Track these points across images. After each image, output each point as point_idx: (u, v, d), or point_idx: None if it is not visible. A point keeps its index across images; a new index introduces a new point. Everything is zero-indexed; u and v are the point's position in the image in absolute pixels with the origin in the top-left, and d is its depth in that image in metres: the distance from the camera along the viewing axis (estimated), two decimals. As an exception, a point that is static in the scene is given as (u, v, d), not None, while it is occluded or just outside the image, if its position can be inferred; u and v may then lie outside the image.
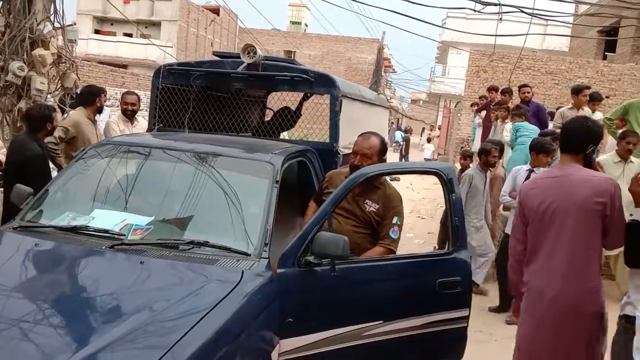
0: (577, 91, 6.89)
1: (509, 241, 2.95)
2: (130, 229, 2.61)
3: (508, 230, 5.14)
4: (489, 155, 5.48)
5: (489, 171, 5.61)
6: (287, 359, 2.47)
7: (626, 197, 2.57)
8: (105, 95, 6.06)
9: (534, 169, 5.03)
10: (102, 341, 1.83)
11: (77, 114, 5.00)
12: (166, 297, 2.12)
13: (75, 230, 2.62)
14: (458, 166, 6.79)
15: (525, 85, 8.05)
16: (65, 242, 2.54)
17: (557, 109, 9.43)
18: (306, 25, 50.35)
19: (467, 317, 2.92)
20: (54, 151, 4.59)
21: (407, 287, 2.79)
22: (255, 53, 3.72)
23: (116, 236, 2.56)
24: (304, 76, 3.74)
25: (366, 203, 2.97)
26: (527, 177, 4.98)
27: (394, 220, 2.97)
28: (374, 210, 2.97)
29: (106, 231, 2.59)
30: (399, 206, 3.04)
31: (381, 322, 2.71)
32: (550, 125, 7.71)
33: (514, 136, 6.54)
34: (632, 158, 5.40)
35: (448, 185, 2.94)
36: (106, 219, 2.72)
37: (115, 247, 2.45)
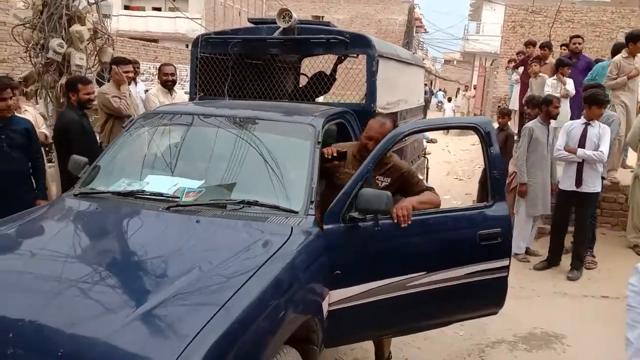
0: (633, 38, 6.46)
1: None
2: (183, 191, 2.74)
3: (562, 186, 5.08)
4: (550, 105, 5.30)
5: (551, 123, 5.41)
6: (336, 308, 2.60)
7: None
8: (137, 67, 6.25)
9: (590, 121, 4.91)
10: (159, 297, 1.94)
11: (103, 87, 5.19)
12: (221, 253, 2.25)
13: (132, 194, 2.78)
14: (496, 125, 6.66)
15: (577, 36, 7.79)
16: (124, 205, 2.70)
17: (596, 60, 9.08)
18: (334, -12, 49.30)
19: (507, 267, 3.00)
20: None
21: (448, 239, 2.90)
22: (290, 17, 3.75)
23: (171, 199, 2.70)
24: (340, 37, 3.76)
25: (377, 179, 3.03)
26: (584, 131, 4.89)
27: (416, 179, 3.11)
28: (387, 184, 3.04)
29: (161, 194, 2.74)
30: (410, 169, 3.17)
31: (424, 273, 2.81)
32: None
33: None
34: None
35: (486, 138, 3.00)
36: (160, 183, 2.87)
37: (171, 208, 2.60)
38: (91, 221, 2.64)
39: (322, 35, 3.79)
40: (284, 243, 2.31)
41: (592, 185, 4.92)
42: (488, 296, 3.07)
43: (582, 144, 4.88)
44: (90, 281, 2.14)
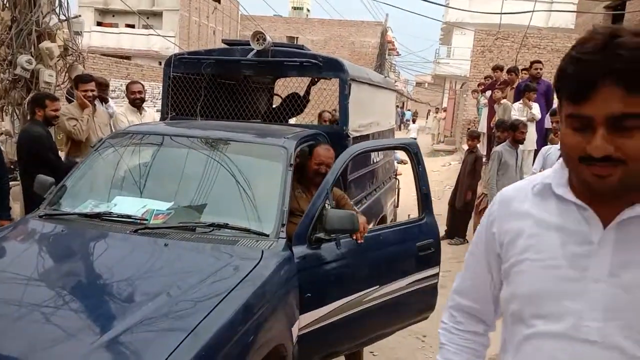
0: None
1: None
2: (152, 214, 2.70)
3: None
4: (517, 130, 5.46)
5: (519, 147, 5.57)
6: (307, 331, 2.59)
7: None
8: (105, 86, 6.16)
9: None
10: (127, 322, 1.89)
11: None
12: (190, 278, 2.21)
13: (99, 216, 2.72)
14: (465, 147, 6.82)
15: (538, 62, 8.04)
16: (90, 227, 2.64)
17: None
18: (308, 10, 50.09)
19: (438, 274, 3.34)
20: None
21: (395, 252, 3.16)
22: (264, 40, 3.78)
23: (139, 221, 2.66)
24: (313, 61, 3.80)
25: None
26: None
27: (349, 202, 3.36)
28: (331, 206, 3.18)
29: (129, 216, 2.69)
30: (343, 193, 3.39)
31: (377, 287, 2.99)
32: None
33: None
34: None
35: (414, 158, 3.32)
36: (128, 205, 2.82)
37: (139, 231, 2.55)
38: (55, 244, 2.57)
39: (295, 59, 3.82)
40: (254, 267, 2.28)
41: None
42: (425, 301, 3.35)
43: None
44: (53, 306, 2.07)
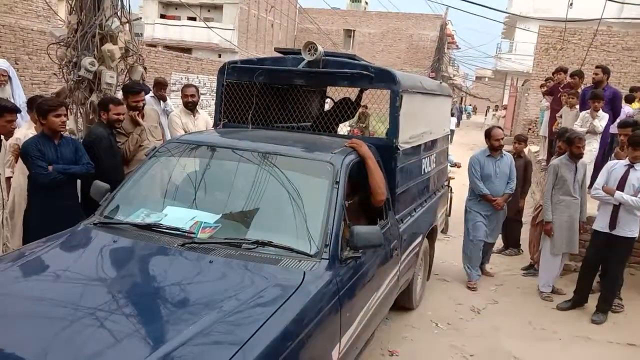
0: None
1: None
2: (199, 227, 2.76)
3: (596, 226, 4.90)
4: (572, 145, 5.15)
5: (579, 162, 5.22)
6: (346, 350, 2.62)
7: None
8: (164, 89, 6.35)
9: (634, 164, 4.71)
10: (176, 340, 1.93)
11: None
12: (234, 297, 2.24)
13: (149, 227, 2.81)
14: (512, 150, 6.48)
15: (597, 66, 7.55)
16: (140, 239, 2.72)
17: (632, 89, 8.81)
18: (366, 3, 49.57)
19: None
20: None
21: (385, 253, 3.41)
22: (316, 50, 3.76)
23: (187, 234, 2.72)
24: (365, 72, 3.75)
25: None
26: (626, 173, 4.71)
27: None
28: (349, 202, 3.41)
29: (177, 229, 2.76)
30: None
31: (378, 291, 3.30)
32: (626, 110, 7.25)
33: None
34: None
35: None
36: (177, 215, 2.90)
37: (186, 245, 2.61)
38: (107, 255, 2.66)
39: (346, 70, 3.78)
40: (294, 292, 2.28)
41: (628, 229, 4.71)
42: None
43: (621, 186, 4.68)
44: (99, 317, 2.12)
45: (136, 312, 2.21)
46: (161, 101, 6.35)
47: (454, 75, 45.27)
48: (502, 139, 5.71)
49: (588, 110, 6.72)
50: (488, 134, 5.64)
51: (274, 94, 4.57)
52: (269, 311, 2.14)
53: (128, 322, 2.14)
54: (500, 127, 6.07)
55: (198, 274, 2.46)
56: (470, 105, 47.85)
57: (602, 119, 6.55)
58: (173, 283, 2.42)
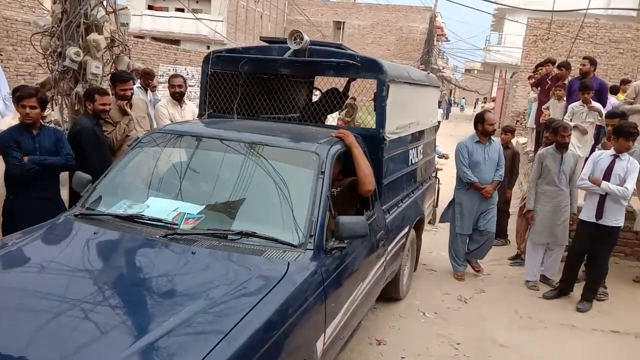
0: None
1: None
2: (182, 218, 2.72)
3: (583, 216, 4.91)
4: (557, 134, 5.12)
5: (565, 152, 5.18)
6: (330, 340, 2.61)
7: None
8: (151, 78, 6.27)
9: (620, 154, 4.72)
10: (157, 331, 1.91)
11: None
12: (217, 288, 2.21)
13: (131, 218, 2.77)
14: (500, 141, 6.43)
15: (585, 57, 7.55)
16: (122, 230, 2.68)
17: (622, 81, 8.86)
18: (356, -6, 49.30)
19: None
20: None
21: (371, 243, 3.40)
22: (302, 39, 3.71)
23: (169, 225, 2.68)
24: (351, 62, 3.71)
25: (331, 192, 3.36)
26: (612, 163, 4.73)
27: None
28: (337, 190, 3.45)
29: (160, 220, 2.72)
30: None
31: (364, 282, 3.28)
32: (612, 102, 7.29)
33: None
34: None
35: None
36: (160, 207, 2.85)
37: (169, 236, 2.57)
38: (87, 247, 2.61)
39: (333, 59, 3.74)
40: (278, 282, 2.26)
41: (614, 218, 4.73)
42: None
43: (607, 176, 4.70)
44: (80, 309, 2.09)
45: (117, 304, 2.18)
46: (149, 91, 6.27)
47: (443, 68, 45.34)
48: (495, 123, 5.47)
49: (576, 103, 6.70)
50: (481, 118, 5.33)
51: (260, 84, 4.52)
52: (252, 302, 2.12)
53: (108, 314, 2.10)
54: (490, 111, 5.83)
55: (180, 265, 2.42)
56: (463, 98, 48.38)
57: (597, 109, 6.42)
58: (155, 275, 2.39)
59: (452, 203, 5.56)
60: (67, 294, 2.20)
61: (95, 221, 2.80)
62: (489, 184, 5.31)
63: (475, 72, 48.54)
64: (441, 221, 5.69)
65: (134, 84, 5.50)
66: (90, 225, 2.74)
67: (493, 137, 5.50)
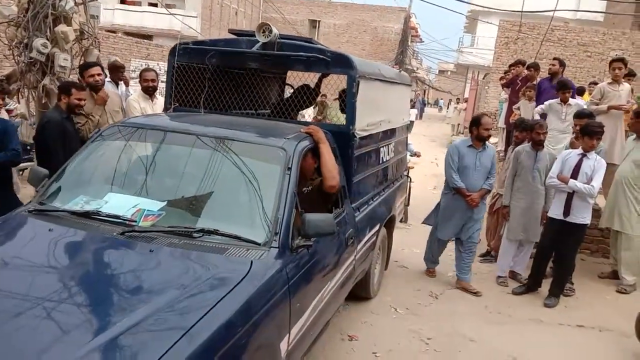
0: (615, 61, 6.33)
1: None
2: (141, 215, 2.61)
3: (551, 213, 4.96)
4: (533, 131, 5.12)
5: (540, 150, 5.14)
6: (296, 340, 2.54)
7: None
8: (122, 70, 6.08)
9: (587, 153, 4.77)
10: (114, 328, 1.83)
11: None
12: (175, 287, 2.12)
13: (87, 215, 2.64)
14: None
15: (555, 58, 7.67)
16: (78, 227, 2.55)
17: (591, 84, 9.03)
18: (332, -7, 49.29)
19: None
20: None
21: (340, 242, 3.33)
22: (270, 32, 3.63)
23: (127, 222, 2.56)
24: (321, 56, 3.64)
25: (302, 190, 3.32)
26: (579, 162, 4.78)
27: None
28: (308, 189, 3.40)
29: (118, 217, 2.60)
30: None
31: (332, 281, 3.20)
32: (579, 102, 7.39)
33: None
34: None
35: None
36: (119, 203, 2.73)
37: (126, 234, 2.46)
38: (40, 244, 2.47)
39: (302, 53, 3.67)
40: (239, 282, 2.17)
41: (581, 216, 4.80)
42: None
43: (575, 174, 4.76)
44: (34, 310, 1.98)
45: (71, 303, 2.07)
46: (122, 84, 6.06)
47: (417, 69, 45.69)
48: (491, 128, 5.13)
49: (552, 101, 6.69)
50: (477, 122, 4.95)
51: (229, 79, 4.41)
52: (211, 302, 2.03)
53: (62, 313, 1.99)
54: (487, 115, 5.40)
55: (138, 264, 2.32)
56: (442, 99, 49.01)
57: (575, 107, 6.42)
58: (111, 273, 2.28)
59: (437, 206, 5.37)
60: (16, 292, 2.08)
61: (50, 217, 2.66)
62: (477, 191, 4.98)
63: (449, 73, 49.08)
64: (424, 223, 5.58)
65: (106, 77, 5.32)
66: (45, 222, 2.60)
67: (487, 143, 5.12)
